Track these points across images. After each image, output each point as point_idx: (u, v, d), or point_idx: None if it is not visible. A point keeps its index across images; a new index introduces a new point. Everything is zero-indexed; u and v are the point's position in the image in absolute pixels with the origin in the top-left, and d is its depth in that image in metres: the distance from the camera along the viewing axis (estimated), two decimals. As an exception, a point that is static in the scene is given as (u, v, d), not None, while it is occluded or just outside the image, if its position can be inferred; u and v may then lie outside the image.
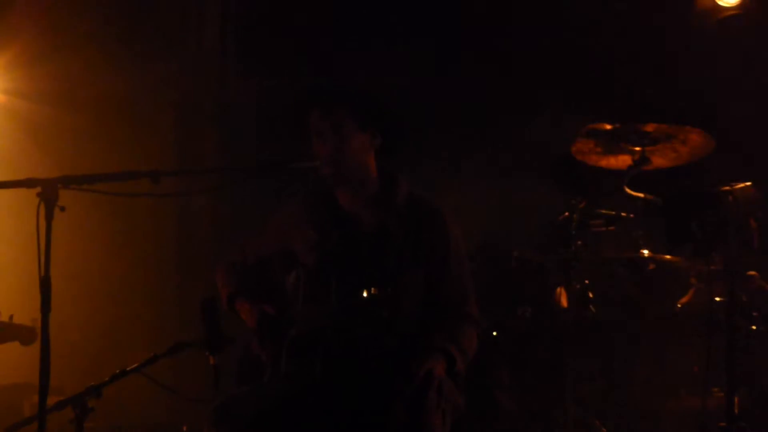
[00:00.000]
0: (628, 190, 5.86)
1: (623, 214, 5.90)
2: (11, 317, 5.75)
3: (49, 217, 3.89)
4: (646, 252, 5.82)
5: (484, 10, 7.21)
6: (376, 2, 7.28)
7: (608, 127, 5.78)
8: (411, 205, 4.45)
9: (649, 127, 5.78)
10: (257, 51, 7.39)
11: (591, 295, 5.92)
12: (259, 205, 5.50)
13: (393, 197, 4.43)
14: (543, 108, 6.95)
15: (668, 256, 5.82)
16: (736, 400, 5.10)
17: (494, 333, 5.90)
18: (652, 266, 5.81)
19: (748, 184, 5.30)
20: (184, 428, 6.08)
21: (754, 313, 5.53)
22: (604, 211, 5.92)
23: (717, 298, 5.51)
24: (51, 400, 4.05)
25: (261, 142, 7.16)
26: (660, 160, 5.98)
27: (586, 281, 5.91)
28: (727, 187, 5.24)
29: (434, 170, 6.64)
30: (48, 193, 3.91)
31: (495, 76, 7.13)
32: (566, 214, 5.88)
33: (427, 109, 6.93)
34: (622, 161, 6.00)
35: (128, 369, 4.24)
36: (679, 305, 5.81)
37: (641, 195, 5.88)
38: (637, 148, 5.86)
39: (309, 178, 4.40)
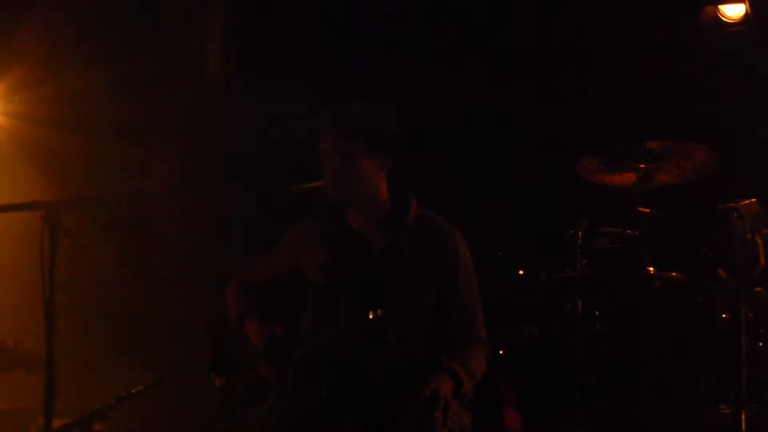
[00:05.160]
0: (639, 208, 5.85)
1: (628, 231, 5.89)
2: (15, 344, 5.73)
3: (53, 240, 3.89)
4: (651, 269, 5.80)
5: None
6: (393, 24, 7.26)
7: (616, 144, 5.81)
8: (421, 225, 4.44)
9: (654, 144, 5.78)
10: (262, 73, 7.38)
11: (597, 312, 5.91)
12: (267, 226, 5.50)
13: (403, 219, 4.42)
14: (547, 123, 6.96)
15: (674, 274, 5.80)
16: (743, 416, 5.08)
17: (501, 351, 5.89)
18: (657, 283, 5.79)
19: (753, 200, 5.28)
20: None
21: (761, 330, 5.51)
22: (609, 229, 5.91)
23: (723, 315, 5.50)
24: (57, 423, 4.05)
25: (265, 164, 7.14)
26: (664, 177, 5.98)
27: (592, 299, 5.90)
28: (732, 204, 5.23)
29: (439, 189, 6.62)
30: (52, 216, 3.91)
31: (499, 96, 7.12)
32: (571, 232, 5.88)
33: (428, 129, 6.92)
34: (627, 179, 6.00)
35: (134, 391, 4.23)
36: (685, 322, 5.79)
37: (647, 210, 5.87)
38: (642, 166, 5.86)
39: (319, 199, 4.40)
